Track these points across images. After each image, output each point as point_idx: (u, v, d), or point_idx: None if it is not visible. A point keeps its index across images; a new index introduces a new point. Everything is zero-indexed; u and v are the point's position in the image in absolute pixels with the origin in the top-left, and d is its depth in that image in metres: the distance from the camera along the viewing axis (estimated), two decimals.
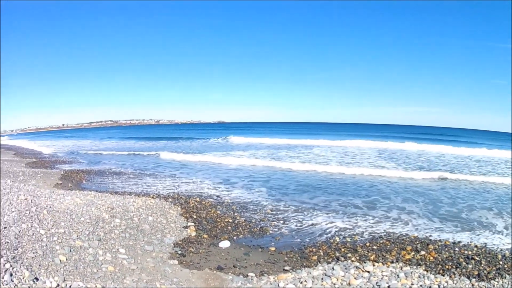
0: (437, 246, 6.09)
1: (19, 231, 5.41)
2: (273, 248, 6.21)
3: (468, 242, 6.38)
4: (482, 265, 5.15)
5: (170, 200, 9.32)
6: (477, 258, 5.36)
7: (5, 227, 5.39)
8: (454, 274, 4.85)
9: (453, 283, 4.58)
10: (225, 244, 6.41)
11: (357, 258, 5.66)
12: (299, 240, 6.77)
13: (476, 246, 6.12)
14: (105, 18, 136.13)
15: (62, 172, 14.93)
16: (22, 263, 4.34)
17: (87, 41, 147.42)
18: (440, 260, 5.43)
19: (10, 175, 13.08)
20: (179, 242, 6.49)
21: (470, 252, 5.70)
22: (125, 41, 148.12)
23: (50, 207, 7.11)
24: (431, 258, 5.53)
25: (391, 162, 18.44)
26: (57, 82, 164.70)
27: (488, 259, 5.38)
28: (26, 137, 72.54)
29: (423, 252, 5.76)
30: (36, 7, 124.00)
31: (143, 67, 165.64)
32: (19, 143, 47.37)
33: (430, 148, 26.66)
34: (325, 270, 5.11)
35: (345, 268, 5.12)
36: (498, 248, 6.07)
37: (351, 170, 15.15)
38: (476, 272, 4.87)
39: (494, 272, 4.88)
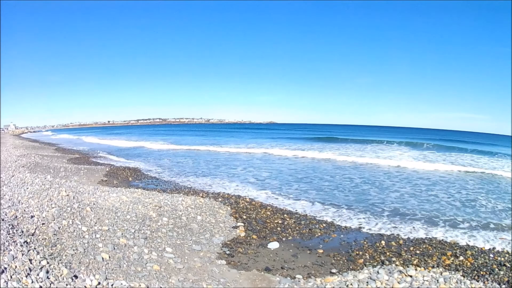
0: (474, 252, 6.42)
1: (59, 228, 5.29)
2: (321, 250, 6.47)
3: (502, 249, 6.69)
4: None
5: (220, 199, 9.57)
6: (508, 265, 5.75)
7: (43, 223, 5.34)
8: (487, 280, 5.25)
9: None
10: (274, 245, 6.58)
11: (401, 262, 5.94)
12: (346, 242, 6.99)
13: (508, 252, 6.44)
14: (160, 19, 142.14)
15: (107, 169, 15.04)
16: (60, 260, 4.23)
17: (137, 40, 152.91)
18: (476, 266, 5.81)
19: (50, 171, 13.02)
20: (228, 242, 6.57)
21: (502, 259, 6.08)
22: (177, 41, 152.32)
23: (93, 204, 7.11)
24: (468, 263, 5.91)
25: None
26: (105, 79, 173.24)
27: None
28: (70, 132, 73.54)
29: (461, 258, 6.12)
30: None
31: (195, 66, 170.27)
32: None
33: None
34: (370, 274, 5.32)
35: (389, 272, 5.34)
36: None
37: None
38: (506, 279, 5.27)
39: None
